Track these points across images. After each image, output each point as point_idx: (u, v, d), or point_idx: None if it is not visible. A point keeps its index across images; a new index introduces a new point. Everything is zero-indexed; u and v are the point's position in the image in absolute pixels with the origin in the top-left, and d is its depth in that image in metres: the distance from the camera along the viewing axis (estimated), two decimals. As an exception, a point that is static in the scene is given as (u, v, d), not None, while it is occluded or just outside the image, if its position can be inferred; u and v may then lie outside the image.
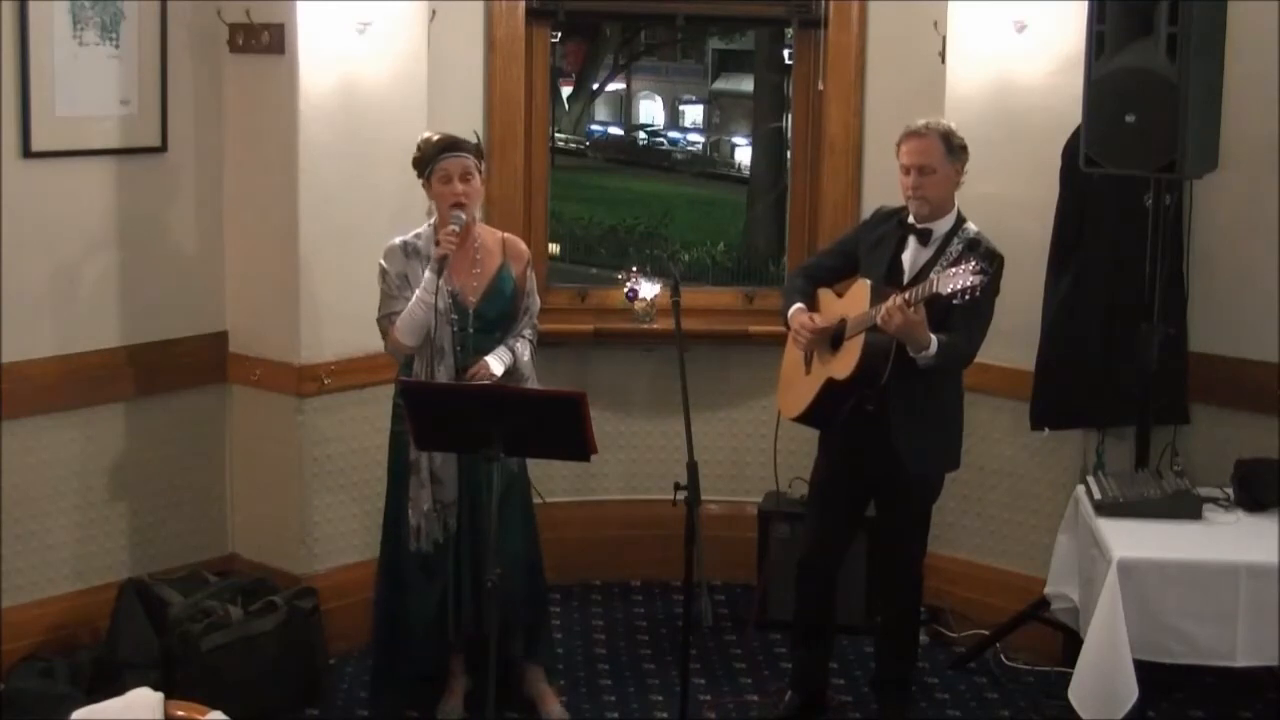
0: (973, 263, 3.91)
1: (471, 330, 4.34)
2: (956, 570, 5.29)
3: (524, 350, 4.42)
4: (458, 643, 4.48)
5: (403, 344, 4.33)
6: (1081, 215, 4.82)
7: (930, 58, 5.20)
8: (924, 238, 4.30)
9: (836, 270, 4.54)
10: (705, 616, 3.59)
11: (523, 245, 4.55)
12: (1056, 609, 4.56)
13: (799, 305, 4.44)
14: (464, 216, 4.28)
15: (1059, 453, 5.06)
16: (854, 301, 4.29)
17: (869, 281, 4.27)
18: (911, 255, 4.32)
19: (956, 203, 4.34)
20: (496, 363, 4.31)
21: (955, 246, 4.25)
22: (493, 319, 4.37)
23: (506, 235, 4.54)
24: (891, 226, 4.38)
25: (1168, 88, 4.24)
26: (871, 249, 4.41)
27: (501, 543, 4.20)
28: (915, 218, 4.32)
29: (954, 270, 3.94)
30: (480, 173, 4.36)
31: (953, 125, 4.32)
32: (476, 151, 4.35)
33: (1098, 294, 4.79)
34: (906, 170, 4.28)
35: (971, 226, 4.31)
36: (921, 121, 4.31)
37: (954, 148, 4.28)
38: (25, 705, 4.36)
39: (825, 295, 4.50)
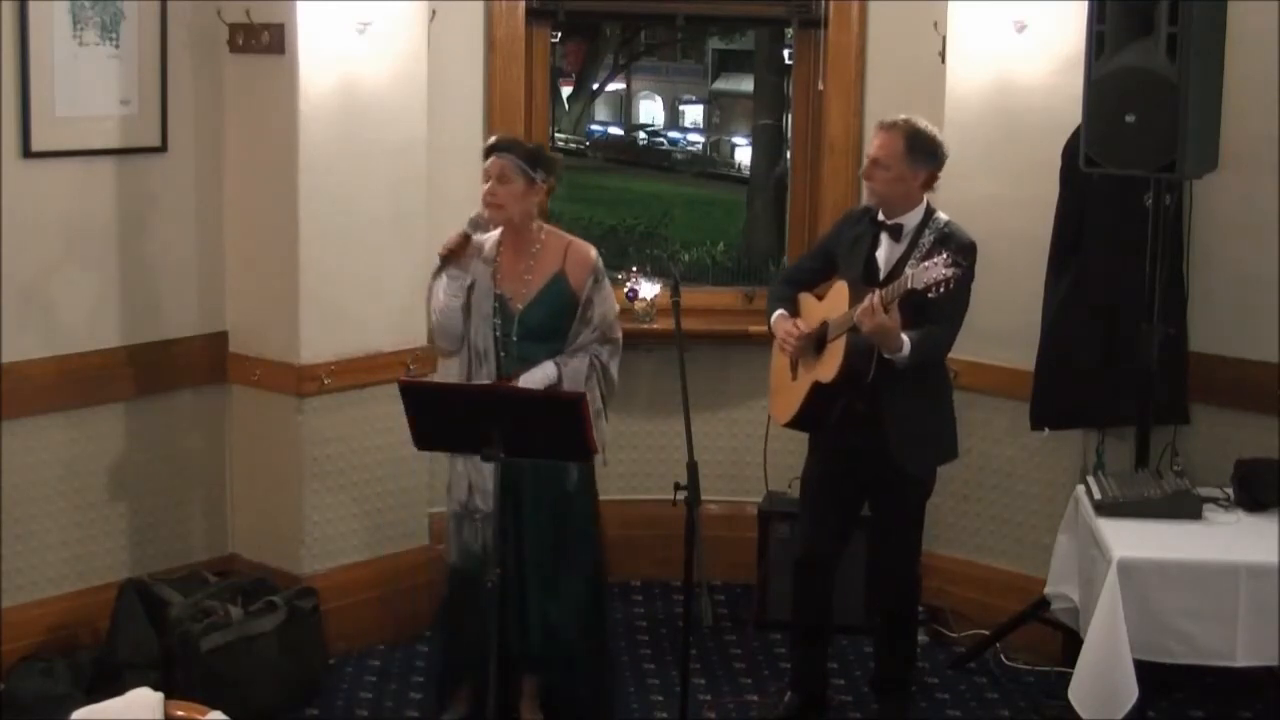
0: (945, 255, 3.92)
1: (515, 336, 4.27)
2: (956, 570, 5.29)
3: (577, 365, 4.24)
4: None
5: (437, 345, 4.33)
6: (1081, 215, 4.82)
7: (930, 58, 5.20)
8: (895, 233, 4.32)
9: (818, 273, 4.57)
10: (705, 616, 3.59)
11: (590, 254, 4.34)
12: (1056, 609, 4.56)
13: (781, 312, 4.47)
14: (479, 221, 4.24)
15: (1059, 453, 5.06)
16: (834, 303, 4.31)
17: (846, 283, 4.29)
18: (885, 252, 4.34)
19: (925, 198, 4.34)
20: (530, 382, 4.21)
21: (927, 238, 4.27)
22: (536, 326, 4.27)
23: (573, 242, 4.37)
24: (865, 225, 4.41)
25: (1168, 88, 4.24)
26: (848, 249, 4.43)
27: (556, 577, 4.23)
28: (880, 210, 4.34)
29: (927, 264, 3.95)
30: (527, 176, 4.22)
31: (930, 130, 4.29)
32: (529, 155, 4.24)
33: (1098, 294, 4.79)
34: (866, 159, 4.33)
35: (942, 216, 4.32)
36: (901, 116, 4.31)
37: (918, 150, 4.26)
38: (25, 705, 4.36)
39: (806, 299, 4.51)
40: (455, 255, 4.25)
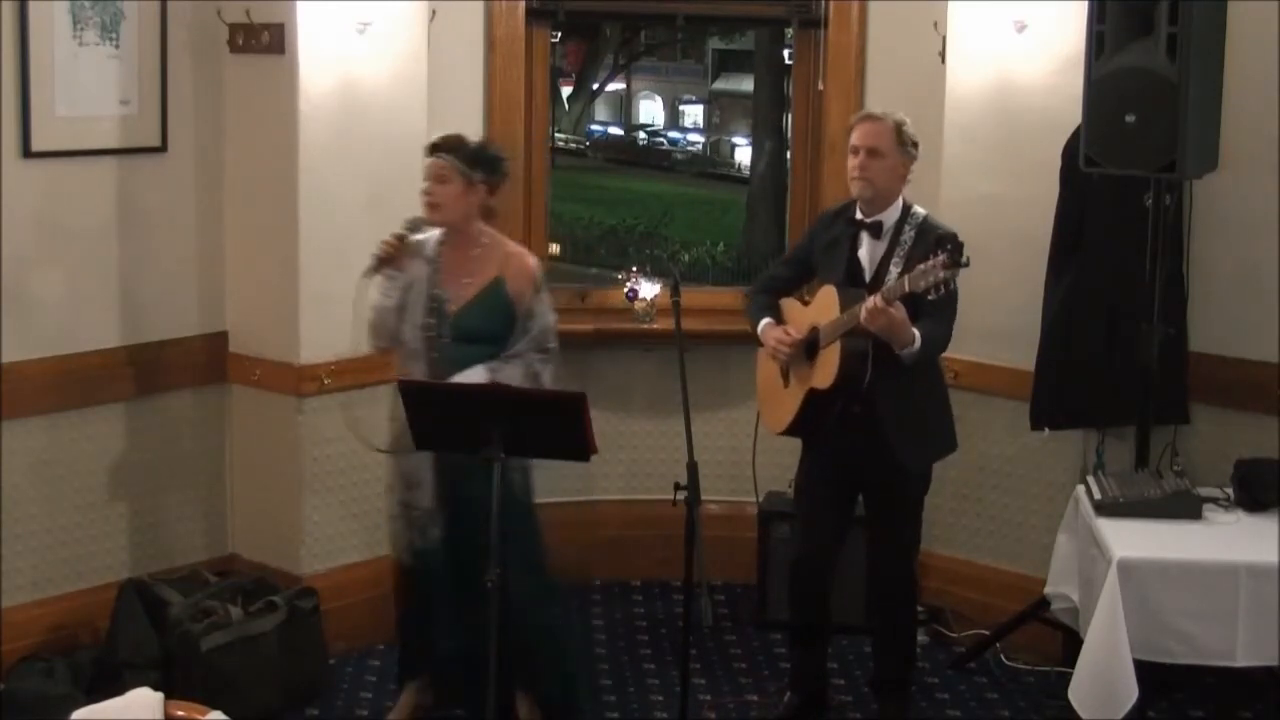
0: (941, 256, 3.91)
1: (448, 338, 4.24)
2: (956, 570, 5.29)
3: (511, 373, 4.19)
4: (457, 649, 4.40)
5: (370, 343, 4.30)
6: (1081, 215, 4.82)
7: (930, 58, 5.20)
8: (875, 231, 4.32)
9: (794, 279, 4.57)
10: (705, 616, 3.59)
11: (529, 262, 4.30)
12: (1056, 609, 4.56)
13: (768, 320, 4.46)
14: (417, 223, 4.22)
15: (1059, 453, 5.06)
16: (822, 308, 4.30)
17: (834, 286, 4.27)
18: (867, 251, 4.33)
19: (903, 195, 4.34)
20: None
21: (908, 234, 4.27)
22: (471, 332, 4.24)
23: (513, 250, 4.33)
24: (842, 226, 4.40)
25: (1168, 88, 4.24)
26: (825, 252, 4.42)
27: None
28: (859, 201, 4.34)
29: (923, 267, 3.95)
30: (466, 177, 4.19)
31: (909, 122, 4.32)
32: (470, 156, 4.21)
33: (1098, 294, 4.79)
34: (855, 151, 4.30)
35: (919, 210, 4.32)
36: (879, 109, 4.35)
37: (904, 140, 4.30)
38: (25, 705, 4.36)
39: (791, 305, 4.50)
40: (391, 258, 4.22)
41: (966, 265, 3.91)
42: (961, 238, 3.98)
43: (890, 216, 4.31)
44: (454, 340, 4.24)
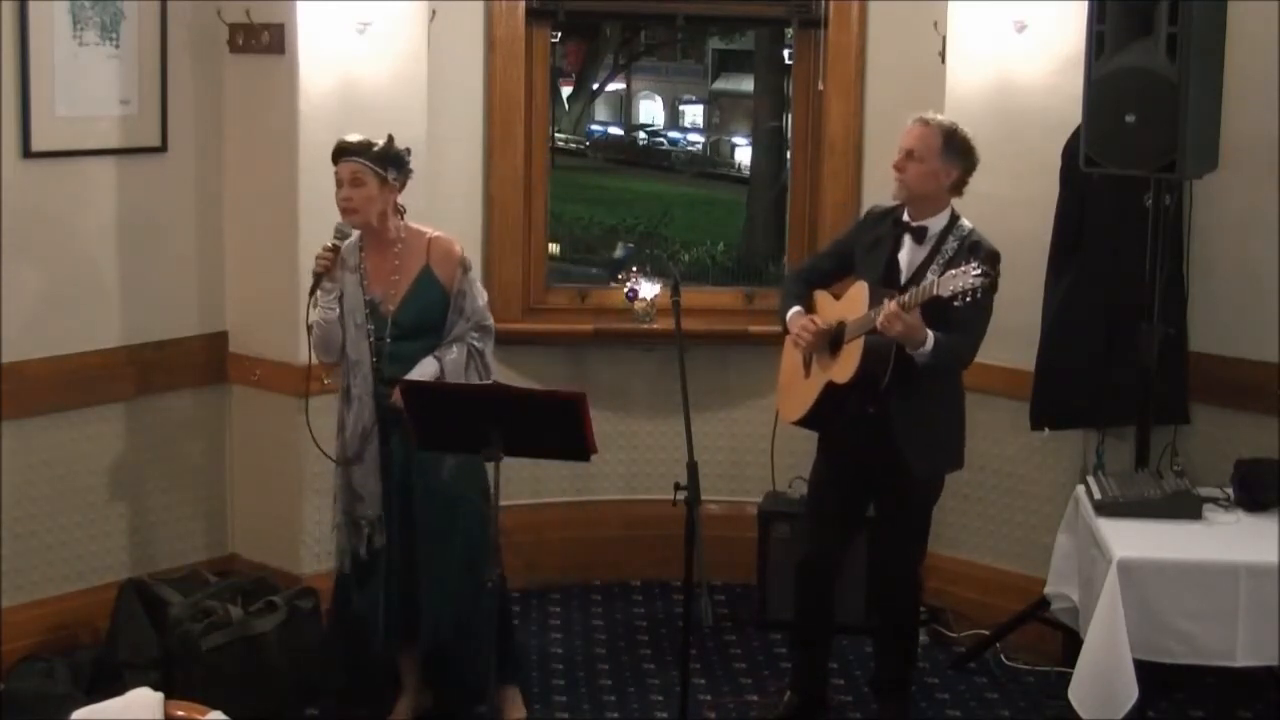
0: (973, 264, 3.90)
1: (389, 339, 4.23)
2: (956, 570, 5.29)
3: (456, 356, 4.20)
4: (392, 652, 4.42)
5: (318, 358, 4.27)
6: (1081, 215, 4.82)
7: (930, 58, 5.20)
8: (919, 236, 4.30)
9: (832, 273, 4.54)
10: (705, 616, 3.59)
11: (453, 247, 4.30)
12: (1056, 609, 4.56)
13: (797, 308, 4.44)
14: (346, 230, 4.21)
15: (1059, 453, 5.06)
16: (852, 304, 4.29)
17: (866, 284, 4.27)
18: (908, 254, 4.31)
19: (950, 202, 4.33)
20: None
21: (951, 244, 4.25)
22: (412, 326, 4.24)
23: (434, 236, 4.31)
24: (887, 226, 4.38)
25: (1168, 88, 4.24)
26: (867, 250, 4.40)
27: (438, 557, 4.24)
28: (895, 199, 4.33)
29: (954, 272, 3.94)
30: (380, 176, 4.17)
31: (967, 132, 4.29)
32: (380, 156, 4.18)
33: (1098, 294, 4.79)
34: (899, 152, 4.30)
35: (966, 223, 4.31)
36: (935, 115, 4.32)
37: (953, 147, 4.26)
38: (25, 705, 4.36)
39: (823, 298, 4.50)
40: (330, 270, 4.20)
41: (996, 275, 3.89)
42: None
43: (936, 224, 4.29)
44: (395, 339, 4.24)
